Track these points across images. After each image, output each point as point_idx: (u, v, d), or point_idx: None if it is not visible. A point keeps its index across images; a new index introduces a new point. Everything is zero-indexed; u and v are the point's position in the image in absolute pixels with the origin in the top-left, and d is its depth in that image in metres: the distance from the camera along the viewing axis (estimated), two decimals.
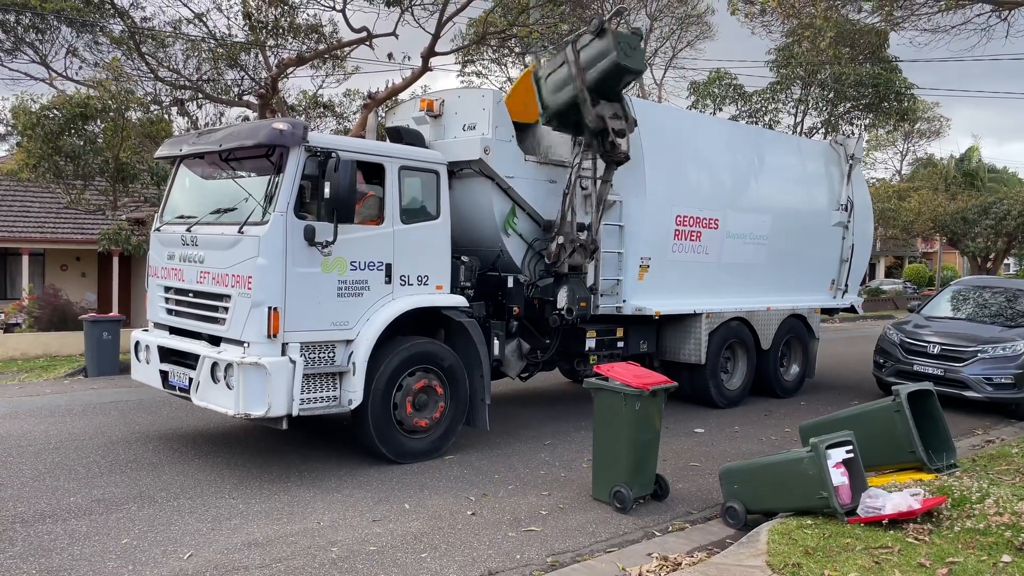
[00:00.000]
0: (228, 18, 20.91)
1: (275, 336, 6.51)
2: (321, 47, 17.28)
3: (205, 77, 17.30)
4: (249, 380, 6.40)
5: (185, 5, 24.74)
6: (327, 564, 5.03)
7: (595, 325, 9.19)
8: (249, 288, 6.55)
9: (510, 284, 8.47)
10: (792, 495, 5.70)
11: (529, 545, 5.48)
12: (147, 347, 7.67)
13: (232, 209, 7.04)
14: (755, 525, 5.68)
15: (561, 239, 8.45)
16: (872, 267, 50.79)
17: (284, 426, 6.68)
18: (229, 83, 17.73)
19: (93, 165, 15.21)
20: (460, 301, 7.81)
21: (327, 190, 6.59)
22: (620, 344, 9.55)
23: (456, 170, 8.25)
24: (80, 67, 16.31)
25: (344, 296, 6.95)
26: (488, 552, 5.33)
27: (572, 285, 8.55)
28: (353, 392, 6.90)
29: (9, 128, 17.02)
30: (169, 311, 7.59)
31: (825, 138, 23.64)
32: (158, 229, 7.83)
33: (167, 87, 16.76)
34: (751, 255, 10.88)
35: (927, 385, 7.06)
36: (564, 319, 8.50)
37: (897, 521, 5.39)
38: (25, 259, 20.58)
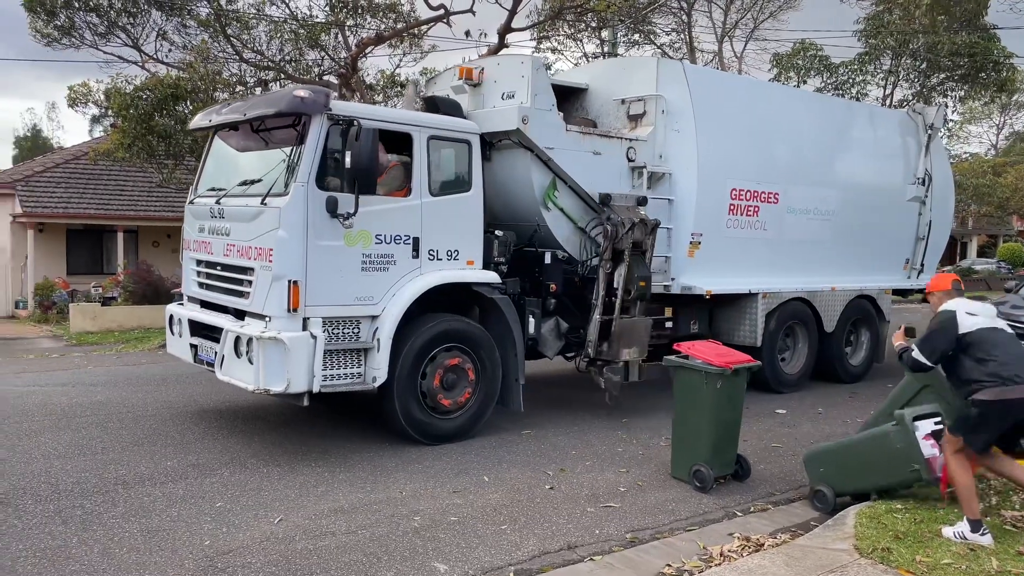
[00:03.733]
0: None
1: (296, 310, 6.35)
2: (399, 26, 17.40)
3: (287, 58, 17.65)
4: (268, 355, 6.28)
5: None
6: (410, 533, 5.14)
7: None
8: (270, 261, 6.40)
9: (548, 260, 8.03)
10: (881, 472, 5.53)
11: (608, 521, 5.48)
12: (179, 320, 7.64)
13: (258, 180, 6.90)
14: (843, 509, 5.55)
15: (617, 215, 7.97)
16: (964, 246, 48.55)
17: (306, 403, 6.49)
18: (310, 63, 18.05)
19: (184, 144, 15.70)
20: (492, 277, 7.51)
21: (347, 159, 6.34)
22: (668, 324, 9.11)
23: (495, 141, 7.86)
24: (170, 50, 16.85)
25: (369, 270, 6.74)
26: (567, 526, 5.35)
27: (631, 264, 8.01)
28: (378, 369, 6.69)
29: (104, 109, 17.70)
30: (200, 284, 7.52)
31: None
32: (191, 202, 7.76)
33: (251, 68, 17.17)
34: (815, 232, 10.32)
35: None
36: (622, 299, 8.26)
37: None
38: (120, 236, 21.53)
